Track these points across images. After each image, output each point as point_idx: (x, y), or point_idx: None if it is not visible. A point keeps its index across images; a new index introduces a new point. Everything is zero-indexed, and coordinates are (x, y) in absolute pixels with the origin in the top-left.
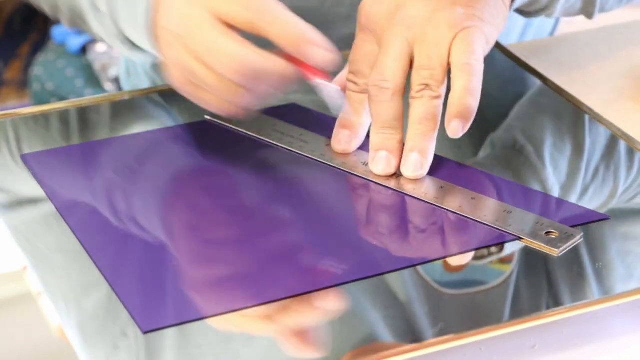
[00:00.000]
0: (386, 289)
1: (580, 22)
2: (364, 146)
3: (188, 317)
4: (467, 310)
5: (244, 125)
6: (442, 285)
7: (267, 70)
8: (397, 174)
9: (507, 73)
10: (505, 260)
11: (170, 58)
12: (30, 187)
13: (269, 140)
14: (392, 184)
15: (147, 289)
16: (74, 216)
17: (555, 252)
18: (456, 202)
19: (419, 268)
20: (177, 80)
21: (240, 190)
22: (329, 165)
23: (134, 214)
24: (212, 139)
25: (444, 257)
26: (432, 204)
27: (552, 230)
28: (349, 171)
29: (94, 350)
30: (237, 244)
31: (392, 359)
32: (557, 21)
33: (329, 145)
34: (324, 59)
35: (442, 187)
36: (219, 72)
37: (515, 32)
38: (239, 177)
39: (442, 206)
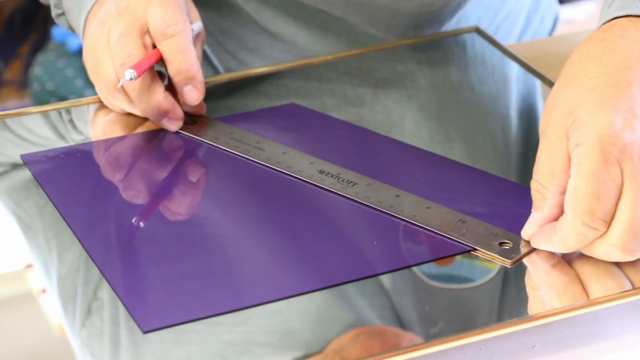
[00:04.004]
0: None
1: (580, 22)
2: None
3: (188, 316)
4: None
5: (200, 132)
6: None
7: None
8: (353, 183)
9: (506, 73)
10: None
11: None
12: (29, 186)
13: (224, 148)
14: (347, 192)
15: (147, 289)
16: (74, 216)
17: (507, 263)
18: (411, 211)
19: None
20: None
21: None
22: (285, 173)
23: (134, 214)
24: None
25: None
26: (386, 212)
27: (506, 241)
28: (305, 179)
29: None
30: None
31: (392, 359)
32: (555, 22)
33: (285, 153)
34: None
35: (397, 196)
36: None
37: (515, 32)
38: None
39: (396, 215)
